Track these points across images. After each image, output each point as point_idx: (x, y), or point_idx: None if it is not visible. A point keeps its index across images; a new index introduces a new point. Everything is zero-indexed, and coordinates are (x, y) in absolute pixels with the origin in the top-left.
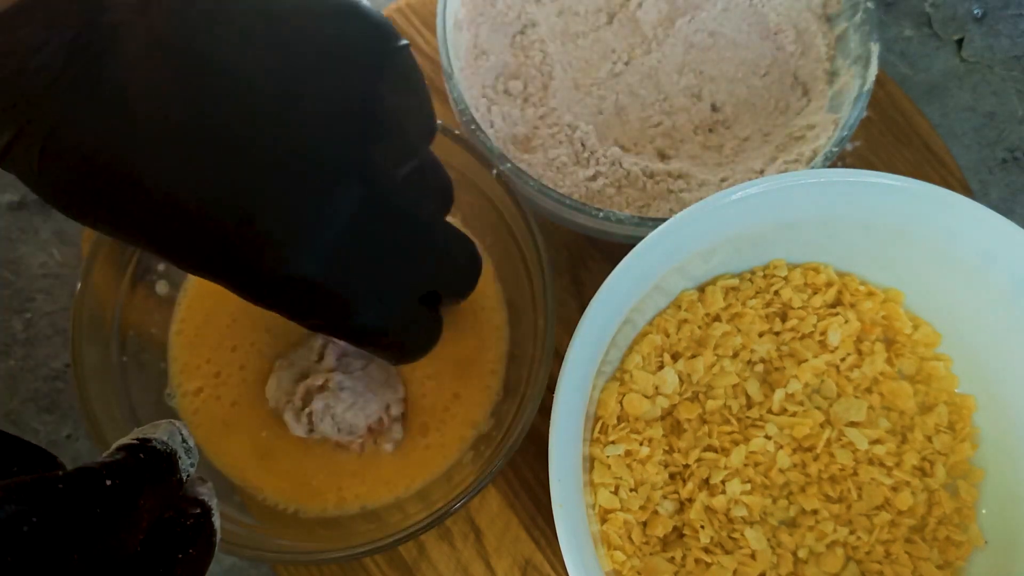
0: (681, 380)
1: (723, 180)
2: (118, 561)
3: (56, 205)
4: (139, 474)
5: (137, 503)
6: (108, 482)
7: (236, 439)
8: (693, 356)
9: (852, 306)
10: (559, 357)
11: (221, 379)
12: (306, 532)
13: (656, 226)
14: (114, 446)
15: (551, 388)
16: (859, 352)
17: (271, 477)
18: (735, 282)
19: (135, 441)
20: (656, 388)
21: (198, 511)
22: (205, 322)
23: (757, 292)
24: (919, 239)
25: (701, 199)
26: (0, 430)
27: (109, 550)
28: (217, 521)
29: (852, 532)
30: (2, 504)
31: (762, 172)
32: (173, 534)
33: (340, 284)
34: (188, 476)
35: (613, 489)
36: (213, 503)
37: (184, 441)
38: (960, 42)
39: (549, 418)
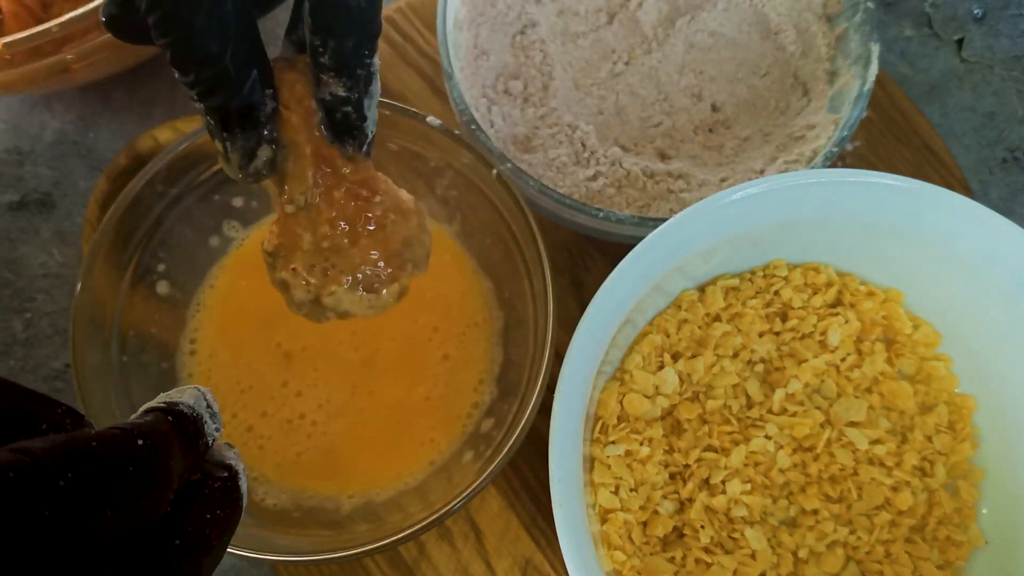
0: (681, 380)
1: (723, 180)
2: (150, 521)
3: None
4: (169, 435)
5: (167, 464)
6: (140, 442)
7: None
8: (693, 356)
9: (852, 306)
10: (559, 357)
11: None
12: (306, 532)
13: (656, 226)
14: (141, 409)
15: (551, 388)
16: (859, 352)
17: (278, 469)
18: (735, 282)
19: (163, 404)
20: (656, 388)
21: (225, 475)
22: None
23: (757, 292)
24: (919, 239)
25: (701, 199)
26: (29, 388)
27: (141, 509)
28: (244, 485)
29: (852, 532)
30: (37, 461)
31: (762, 172)
32: (201, 496)
33: None
34: (214, 440)
35: (613, 489)
36: (240, 467)
37: (209, 406)
38: (960, 42)
39: (549, 418)
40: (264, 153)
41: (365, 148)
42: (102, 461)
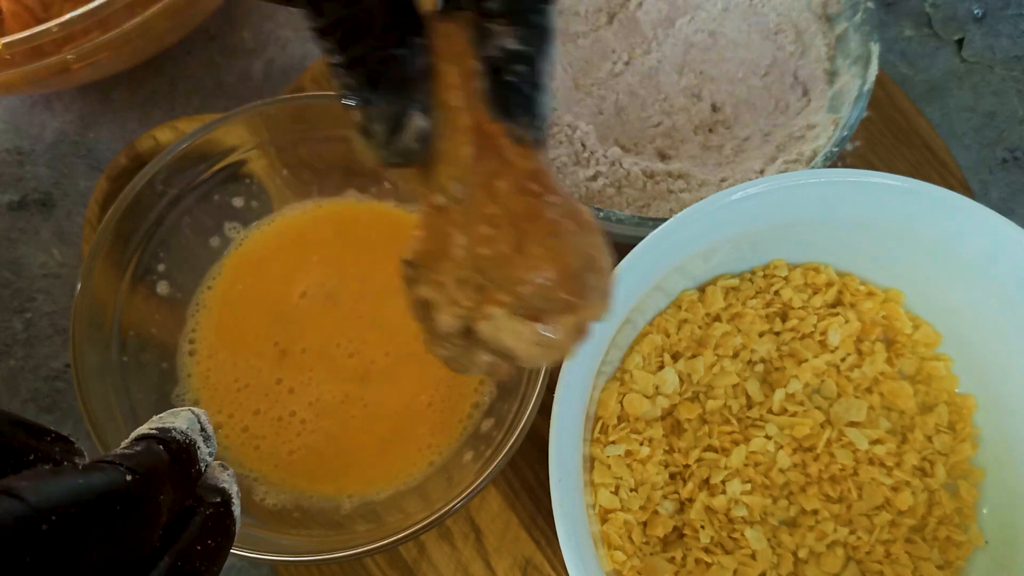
0: (681, 380)
1: (723, 180)
2: (138, 558)
3: None
4: (159, 469)
5: (157, 499)
6: (129, 478)
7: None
8: (693, 356)
9: (852, 306)
10: None
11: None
12: (306, 532)
13: (656, 226)
14: (133, 436)
15: (551, 388)
16: (859, 352)
17: (277, 470)
18: (735, 282)
19: (154, 431)
20: (656, 388)
21: (218, 499)
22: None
23: (757, 292)
24: (919, 239)
25: (701, 199)
26: (16, 416)
27: (129, 547)
28: (237, 509)
29: (852, 532)
30: (20, 503)
31: (762, 172)
32: (191, 525)
33: None
34: (207, 465)
35: (613, 489)
36: (233, 490)
37: (203, 429)
38: (960, 42)
39: (549, 418)
40: (414, 124)
41: (539, 132)
42: (88, 501)
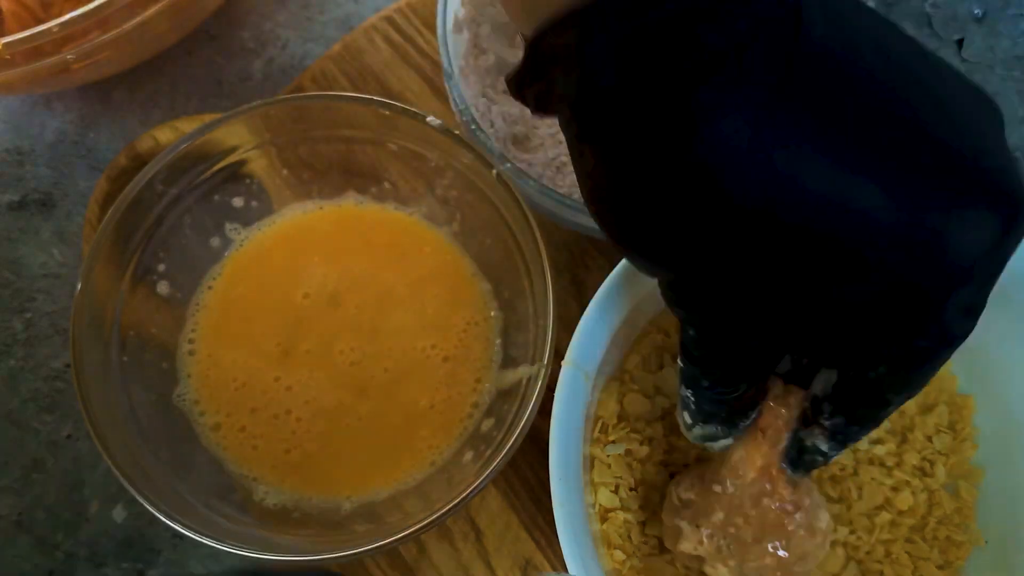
0: None
1: None
2: None
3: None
4: None
5: None
6: None
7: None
8: None
9: None
10: (559, 357)
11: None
12: (306, 532)
13: None
14: None
15: (551, 388)
16: None
17: (275, 471)
18: None
19: None
20: (656, 388)
21: None
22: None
23: None
24: None
25: None
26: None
27: None
28: None
29: (852, 532)
30: None
31: None
32: None
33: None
34: None
35: (613, 488)
36: None
37: None
38: (960, 42)
39: (549, 418)
40: (721, 440)
41: (809, 475)
42: None
